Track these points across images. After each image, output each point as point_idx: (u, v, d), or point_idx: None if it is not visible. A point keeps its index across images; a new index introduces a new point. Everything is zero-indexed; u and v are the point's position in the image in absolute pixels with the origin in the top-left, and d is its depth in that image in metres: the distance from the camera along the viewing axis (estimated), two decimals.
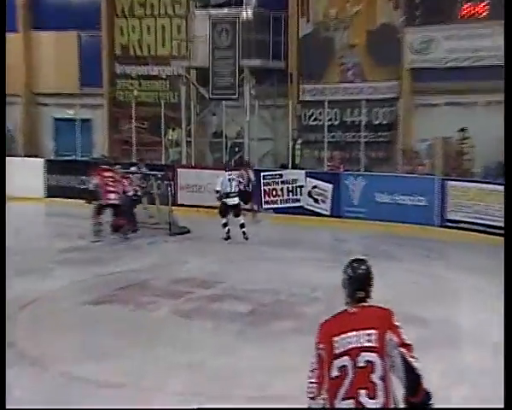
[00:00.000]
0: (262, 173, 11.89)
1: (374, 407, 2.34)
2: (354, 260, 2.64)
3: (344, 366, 2.41)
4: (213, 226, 10.81)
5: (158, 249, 9.28)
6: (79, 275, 7.59)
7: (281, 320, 5.93)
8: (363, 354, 2.41)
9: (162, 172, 11.43)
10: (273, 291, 6.80)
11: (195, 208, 11.83)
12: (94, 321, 5.97)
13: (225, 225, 9.56)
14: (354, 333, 2.43)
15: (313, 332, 2.68)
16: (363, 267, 2.59)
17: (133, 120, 13.65)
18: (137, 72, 14.74)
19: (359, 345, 2.42)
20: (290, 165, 12.21)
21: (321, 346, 2.52)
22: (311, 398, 2.48)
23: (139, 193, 10.52)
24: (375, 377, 2.37)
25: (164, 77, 14.53)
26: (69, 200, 12.73)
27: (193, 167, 12.78)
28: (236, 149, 13.18)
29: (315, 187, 11.26)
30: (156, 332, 5.70)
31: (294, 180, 11.53)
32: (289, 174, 11.69)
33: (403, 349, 2.41)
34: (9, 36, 14.89)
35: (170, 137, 13.86)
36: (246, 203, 10.62)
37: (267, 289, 6.88)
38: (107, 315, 6.15)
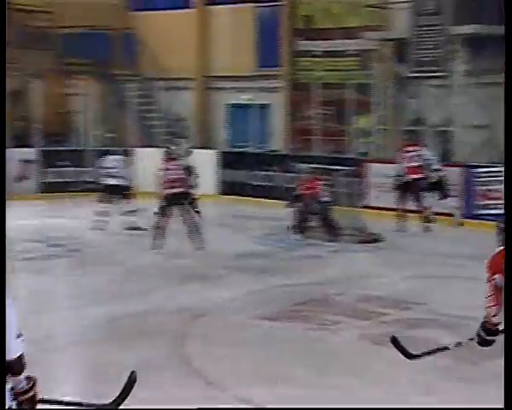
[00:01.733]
0: (474, 170, 11.33)
1: None
2: None
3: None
4: (411, 234, 10.54)
5: (343, 259, 9.29)
6: (254, 285, 7.89)
7: (496, 359, 5.53)
8: None
9: (349, 168, 11.42)
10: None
11: (391, 211, 11.64)
12: (270, 339, 6.15)
13: None
14: None
15: None
16: None
17: (316, 105, 13.91)
18: (322, 48, 14.90)
19: None
20: None
21: (497, 276, 3.68)
22: (493, 316, 3.79)
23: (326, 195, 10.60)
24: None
25: (353, 53, 14.56)
26: (244, 198, 13.40)
27: (387, 162, 12.61)
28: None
29: None
30: (339, 358, 5.70)
31: None
32: None
33: None
34: (180, 13, 16.10)
35: (359, 126, 13.87)
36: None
37: (478, 317, 6.49)
38: (284, 333, 6.30)
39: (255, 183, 13.73)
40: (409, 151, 11.00)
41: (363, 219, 10.46)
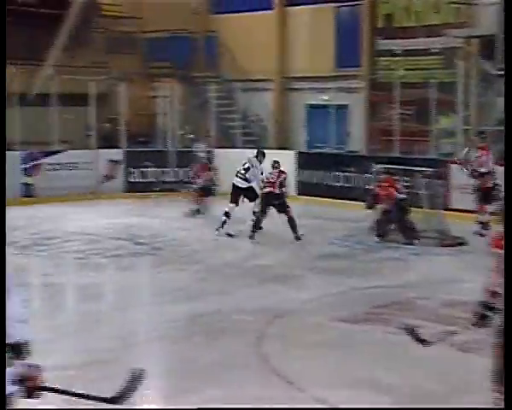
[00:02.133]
0: None
1: None
2: None
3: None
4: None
5: (426, 263, 9.18)
6: (333, 287, 7.92)
7: None
8: None
9: (431, 169, 11.22)
10: None
11: (474, 214, 11.33)
12: (349, 341, 6.19)
13: None
14: None
15: None
16: None
17: (396, 105, 13.74)
18: (402, 46, 14.75)
19: None
20: None
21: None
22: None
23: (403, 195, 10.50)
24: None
25: (436, 51, 14.29)
26: (322, 199, 13.39)
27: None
28: None
29: None
30: (420, 363, 5.63)
31: None
32: None
33: None
34: (260, 14, 16.29)
35: (442, 126, 13.60)
36: None
37: None
38: (363, 336, 6.31)
39: (333, 184, 13.71)
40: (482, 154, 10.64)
41: (445, 222, 10.25)
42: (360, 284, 8.06)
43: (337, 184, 13.68)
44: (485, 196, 10.43)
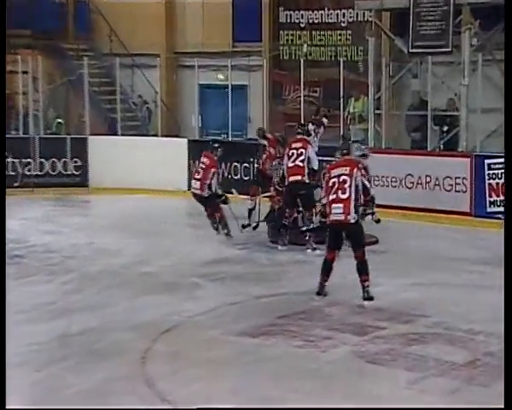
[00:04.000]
0: (486, 161, 11.41)
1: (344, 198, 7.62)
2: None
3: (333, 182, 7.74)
4: (414, 234, 10.58)
5: (335, 265, 9.29)
6: (230, 296, 7.90)
7: None
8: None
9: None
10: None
11: (391, 209, 11.65)
12: (249, 357, 6.15)
13: None
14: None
15: None
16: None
17: (301, 87, 13.91)
18: (308, 19, 14.98)
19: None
20: None
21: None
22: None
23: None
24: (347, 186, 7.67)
25: (344, 25, 14.61)
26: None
27: (384, 152, 12.61)
28: (445, 129, 12.81)
29: None
30: (330, 379, 5.70)
31: None
32: None
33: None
34: None
35: (352, 110, 13.87)
36: None
37: (492, 332, 6.54)
38: (266, 351, 6.29)
39: (231, 177, 13.69)
40: None
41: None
42: (261, 291, 8.08)
43: (236, 177, 13.71)
44: None
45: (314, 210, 9.77)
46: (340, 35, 14.64)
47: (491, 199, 11.36)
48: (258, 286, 8.31)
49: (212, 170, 10.65)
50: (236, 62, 15.07)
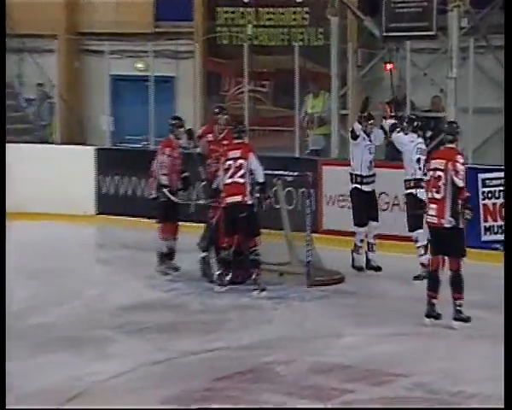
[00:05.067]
0: (480, 175, 11.60)
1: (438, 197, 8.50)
2: None
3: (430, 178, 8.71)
4: (391, 270, 10.79)
5: (287, 312, 9.41)
6: (153, 352, 7.86)
7: None
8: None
9: (296, 173, 11.44)
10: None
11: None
12: None
13: None
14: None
15: None
16: None
17: (245, 79, 13.99)
18: None
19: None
20: None
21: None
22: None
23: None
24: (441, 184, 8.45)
25: (300, 1, 14.68)
26: (136, 219, 13.38)
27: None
28: (428, 134, 13.03)
29: None
30: None
31: None
32: None
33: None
34: None
35: (309, 110, 14.00)
36: None
37: (490, 395, 6.70)
38: None
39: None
40: None
41: (316, 251, 10.60)
42: (193, 346, 8.05)
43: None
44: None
45: (258, 239, 9.94)
46: (295, 13, 14.78)
47: (487, 224, 11.54)
48: (189, 339, 8.31)
49: None
50: (160, 47, 15.11)
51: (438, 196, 8.54)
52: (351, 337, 8.20)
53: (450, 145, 8.74)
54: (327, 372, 7.31)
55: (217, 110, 11.05)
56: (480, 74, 12.77)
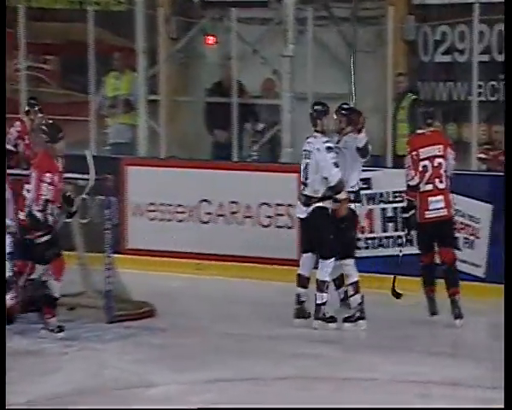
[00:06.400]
0: None
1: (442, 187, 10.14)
2: None
3: (425, 166, 10.13)
4: (216, 299, 11.57)
5: (80, 356, 9.67)
6: None
7: None
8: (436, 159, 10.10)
9: (93, 176, 11.45)
10: None
11: (177, 259, 12.56)
12: None
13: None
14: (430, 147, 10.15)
15: None
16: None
17: (21, 53, 14.49)
18: None
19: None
20: (391, 157, 12.57)
21: (414, 153, 10.24)
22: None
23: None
24: (442, 171, 10.11)
25: None
26: None
27: (165, 165, 13.58)
28: (260, 127, 13.85)
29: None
30: None
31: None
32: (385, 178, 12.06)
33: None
34: None
35: (110, 93, 14.52)
36: None
37: None
38: None
39: None
40: None
41: (117, 276, 11.03)
42: None
43: None
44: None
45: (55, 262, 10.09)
46: None
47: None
48: None
49: None
50: None
51: (441, 186, 10.16)
52: (163, 387, 8.48)
53: (434, 128, 10.42)
54: None
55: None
56: (323, 53, 13.51)
